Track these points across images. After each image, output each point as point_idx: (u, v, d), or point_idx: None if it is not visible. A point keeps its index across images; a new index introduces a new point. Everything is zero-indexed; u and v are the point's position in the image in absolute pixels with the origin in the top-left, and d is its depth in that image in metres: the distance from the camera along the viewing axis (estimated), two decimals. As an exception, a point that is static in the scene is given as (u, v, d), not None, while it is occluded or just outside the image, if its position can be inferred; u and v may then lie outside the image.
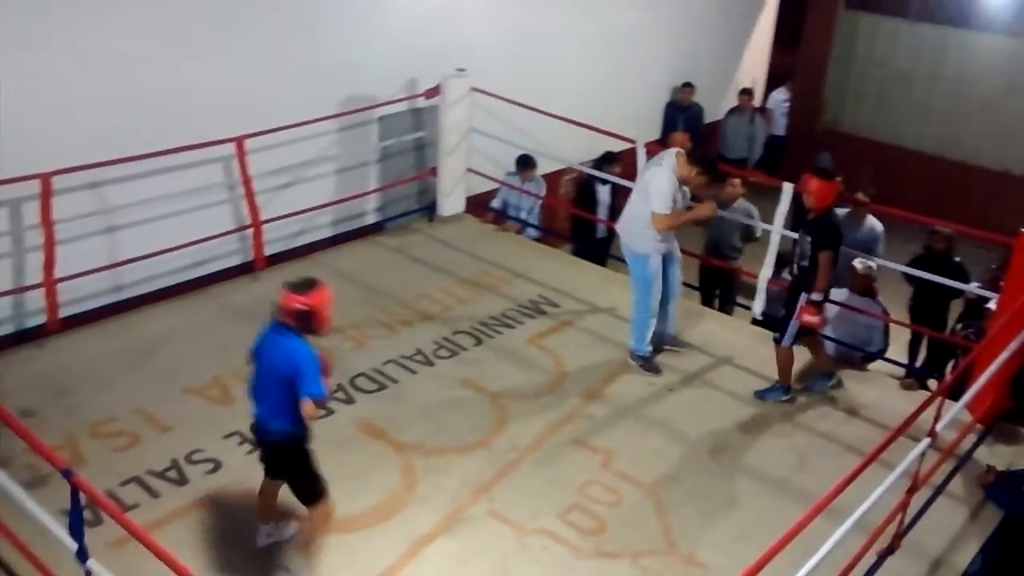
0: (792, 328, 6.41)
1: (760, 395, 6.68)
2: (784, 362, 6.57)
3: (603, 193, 9.22)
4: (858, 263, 7.25)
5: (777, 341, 6.56)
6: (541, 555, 5.12)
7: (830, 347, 7.26)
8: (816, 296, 6.23)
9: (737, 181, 8.47)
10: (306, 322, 4.41)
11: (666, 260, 6.83)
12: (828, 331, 7.26)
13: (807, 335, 6.52)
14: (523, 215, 9.28)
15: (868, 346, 7.32)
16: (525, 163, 8.96)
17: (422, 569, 4.97)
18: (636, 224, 6.68)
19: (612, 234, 8.86)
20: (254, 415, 4.60)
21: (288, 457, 4.62)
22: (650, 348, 6.95)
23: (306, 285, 4.42)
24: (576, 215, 9.58)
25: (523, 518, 5.36)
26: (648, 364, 6.95)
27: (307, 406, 4.36)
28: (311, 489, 4.67)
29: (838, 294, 7.25)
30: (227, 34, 7.38)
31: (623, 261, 7.20)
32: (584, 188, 9.50)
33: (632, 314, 6.98)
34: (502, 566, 5.02)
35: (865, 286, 7.28)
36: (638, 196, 6.70)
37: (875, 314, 7.26)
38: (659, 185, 6.47)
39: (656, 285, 6.79)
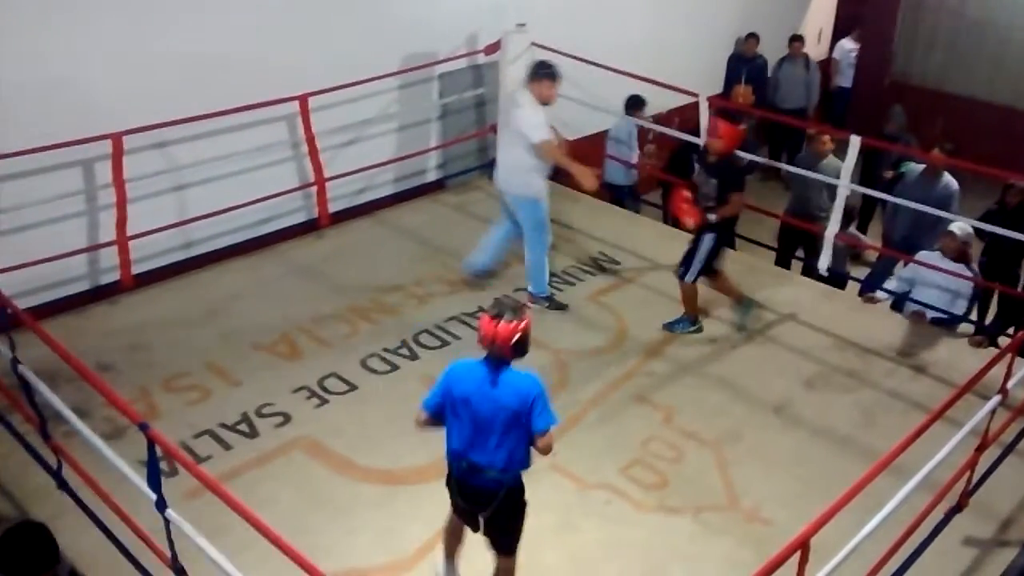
0: (695, 265, 6.57)
1: (669, 327, 6.83)
2: (689, 295, 6.77)
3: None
4: (956, 227, 6.95)
5: (681, 277, 6.68)
6: (604, 508, 5.17)
7: (911, 308, 7.12)
8: (712, 216, 6.37)
9: (827, 137, 8.23)
10: (523, 347, 3.98)
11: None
12: (914, 294, 7.12)
13: (711, 273, 6.70)
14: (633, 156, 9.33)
15: (951, 310, 7.07)
16: (637, 104, 9.02)
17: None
18: (519, 170, 6.69)
19: None
20: (467, 463, 4.05)
21: (513, 506, 4.15)
22: (550, 288, 7.11)
23: (514, 311, 3.93)
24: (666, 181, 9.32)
25: (585, 472, 5.41)
26: (552, 303, 7.06)
27: (546, 439, 3.97)
28: (517, 540, 4.27)
29: (928, 256, 7.07)
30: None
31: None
32: (678, 155, 9.29)
33: (528, 257, 7.00)
34: (566, 518, 5.08)
35: (960, 251, 6.99)
36: (511, 143, 6.69)
37: (968, 277, 6.97)
38: (528, 120, 6.50)
39: (548, 224, 6.91)
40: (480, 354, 4.02)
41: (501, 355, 3.95)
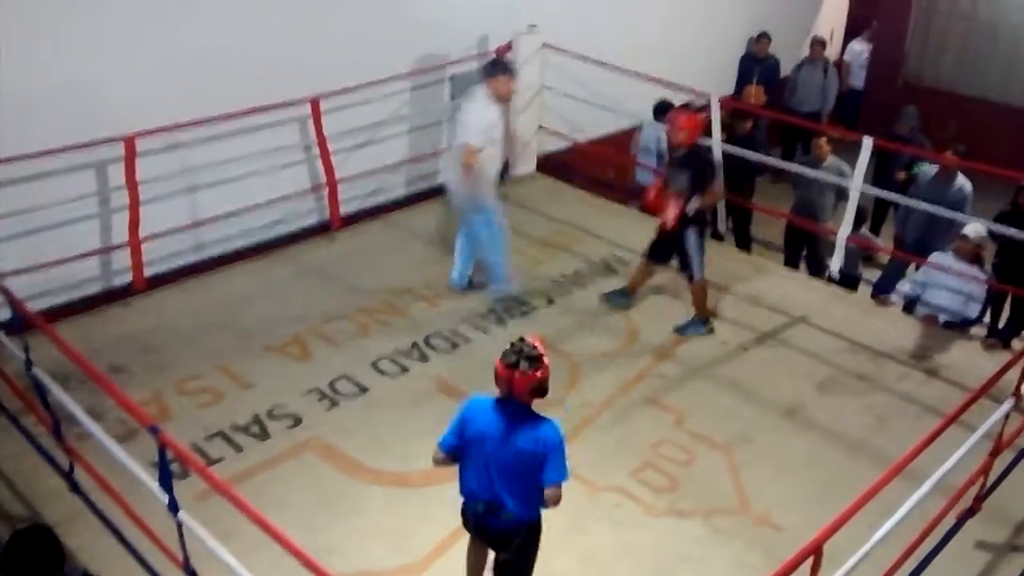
0: (695, 262, 6.57)
1: (680, 330, 6.81)
2: (700, 297, 6.77)
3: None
4: (970, 230, 6.92)
5: (690, 279, 6.69)
6: (614, 512, 5.17)
7: (923, 311, 7.09)
8: (694, 203, 6.37)
9: (823, 140, 8.23)
10: (542, 392, 3.90)
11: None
12: (926, 296, 7.09)
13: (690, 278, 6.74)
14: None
15: (965, 312, 7.04)
16: (665, 110, 8.91)
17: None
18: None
19: None
20: (483, 504, 4.01)
21: (527, 544, 4.10)
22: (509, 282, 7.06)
23: (530, 360, 3.80)
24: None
25: (595, 475, 5.40)
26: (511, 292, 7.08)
27: (556, 492, 3.88)
28: (527, 573, 4.22)
29: (942, 258, 7.03)
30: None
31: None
32: None
33: (485, 257, 7.01)
34: (576, 521, 5.06)
35: (974, 254, 6.96)
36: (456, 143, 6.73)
37: (981, 279, 6.94)
38: (467, 119, 6.53)
39: (498, 221, 6.89)
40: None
41: (521, 401, 3.88)
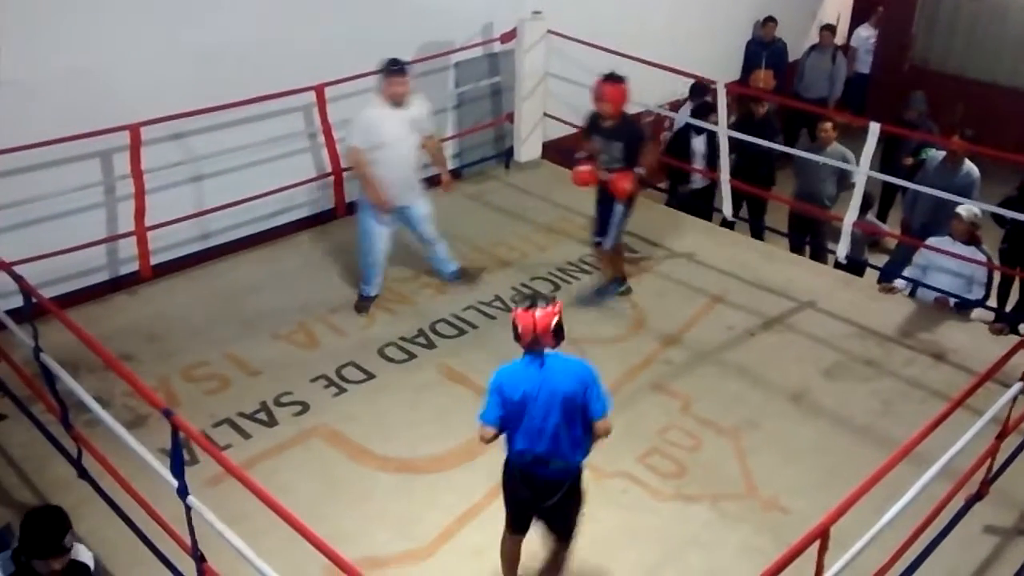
0: (613, 231, 6.67)
1: (599, 295, 6.96)
2: (614, 259, 6.95)
3: (698, 143, 8.88)
4: (963, 210, 6.88)
5: (600, 245, 6.81)
6: (621, 497, 5.17)
7: (930, 295, 7.08)
8: (640, 171, 6.45)
9: (828, 125, 8.20)
10: (561, 332, 4.03)
11: (404, 212, 6.64)
12: (927, 279, 7.07)
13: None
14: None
15: (967, 295, 7.00)
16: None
17: (503, 510, 5.06)
18: None
19: (712, 185, 8.73)
20: (533, 457, 4.07)
21: (576, 493, 4.23)
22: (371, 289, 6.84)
23: (544, 299, 4.02)
24: (671, 165, 9.19)
25: (602, 461, 5.36)
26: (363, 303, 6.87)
27: (605, 423, 4.07)
28: (576, 526, 4.33)
29: (940, 242, 7.01)
30: (306, -18, 7.44)
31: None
32: (678, 138, 9.27)
33: (361, 259, 6.85)
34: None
35: (969, 234, 6.91)
36: None
37: (978, 261, 6.89)
38: (357, 117, 6.38)
39: (369, 231, 6.58)
40: (509, 354, 4.08)
41: (544, 344, 3.99)
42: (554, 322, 3.96)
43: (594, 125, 6.58)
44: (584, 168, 6.60)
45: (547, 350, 4.02)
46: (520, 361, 4.06)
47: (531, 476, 4.13)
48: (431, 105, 6.65)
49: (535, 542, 4.40)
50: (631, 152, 6.42)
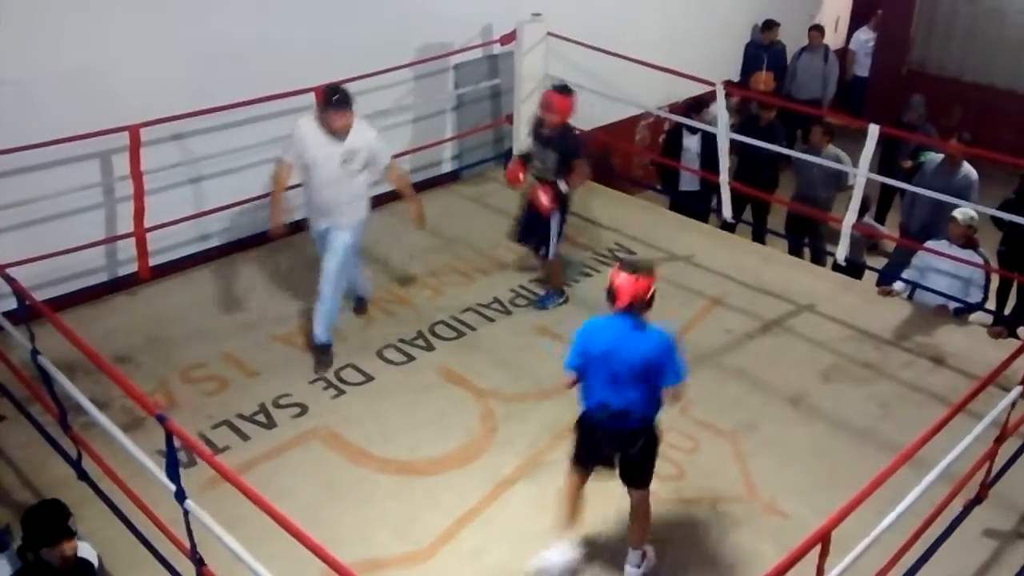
0: (553, 241, 6.69)
1: (541, 304, 6.96)
2: (556, 269, 6.99)
3: (692, 142, 8.89)
4: (958, 213, 6.89)
5: (544, 256, 6.81)
6: (621, 500, 5.15)
7: (928, 298, 7.08)
8: (564, 187, 6.50)
9: (819, 130, 8.22)
10: (652, 300, 4.30)
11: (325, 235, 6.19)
12: (925, 282, 7.07)
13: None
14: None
15: (965, 298, 7.01)
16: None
17: (503, 511, 5.08)
18: None
19: (705, 186, 8.73)
20: (611, 411, 4.33)
21: (652, 443, 4.49)
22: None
23: (647, 268, 4.30)
24: (664, 165, 9.27)
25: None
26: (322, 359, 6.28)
27: (679, 391, 4.35)
28: (651, 474, 4.59)
29: (937, 245, 7.02)
30: (305, -16, 7.44)
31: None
32: (671, 137, 9.27)
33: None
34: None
35: (966, 237, 6.91)
36: None
37: (975, 264, 6.90)
38: (293, 130, 5.98)
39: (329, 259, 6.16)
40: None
41: (636, 309, 4.23)
42: (649, 290, 4.25)
43: (536, 131, 6.61)
44: (513, 167, 6.65)
45: (637, 315, 4.26)
46: (610, 318, 4.28)
47: (609, 431, 4.38)
48: (375, 134, 6.08)
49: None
50: (563, 165, 6.46)
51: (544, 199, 6.50)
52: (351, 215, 6.11)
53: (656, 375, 4.25)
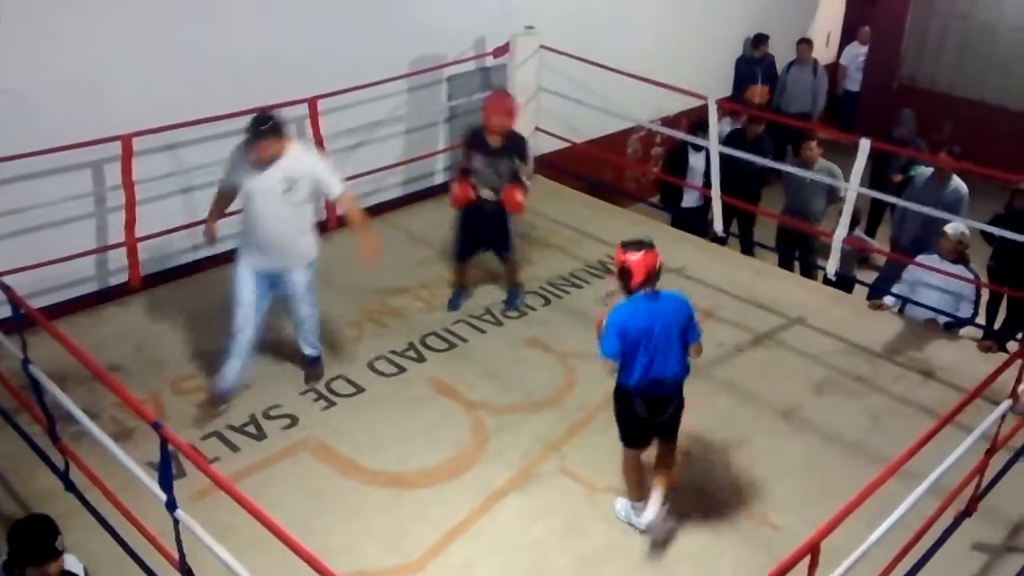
0: (512, 239, 6.83)
1: (513, 306, 7.04)
2: (517, 266, 7.12)
3: (697, 160, 8.89)
4: (949, 228, 6.89)
5: (510, 256, 6.93)
6: (612, 513, 5.16)
7: (919, 312, 7.10)
8: (528, 181, 6.66)
9: (813, 143, 8.26)
10: (660, 273, 4.66)
11: (276, 278, 5.79)
12: (916, 297, 7.09)
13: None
14: None
15: (956, 312, 7.00)
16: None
17: (494, 524, 5.06)
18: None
19: (706, 203, 8.72)
20: (652, 381, 4.62)
21: (682, 400, 4.86)
22: (226, 381, 5.81)
23: (647, 242, 4.62)
24: (666, 181, 9.23)
25: (593, 476, 5.40)
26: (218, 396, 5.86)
27: (700, 347, 4.80)
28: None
29: (928, 259, 7.04)
30: (299, -5, 7.46)
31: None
32: (676, 154, 9.27)
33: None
34: (572, 523, 5.08)
35: (956, 252, 6.92)
36: None
37: (966, 279, 6.90)
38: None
39: (237, 298, 5.73)
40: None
41: (655, 281, 4.56)
42: (660, 262, 4.58)
43: (478, 144, 6.52)
44: (463, 187, 6.55)
45: (652, 287, 4.57)
46: (633, 301, 4.57)
47: (652, 399, 4.69)
48: (318, 160, 5.73)
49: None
50: (514, 166, 6.52)
51: (520, 197, 6.52)
52: (301, 254, 5.73)
53: (686, 332, 4.65)
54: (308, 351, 6.17)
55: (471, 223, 6.74)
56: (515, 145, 6.55)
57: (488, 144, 6.49)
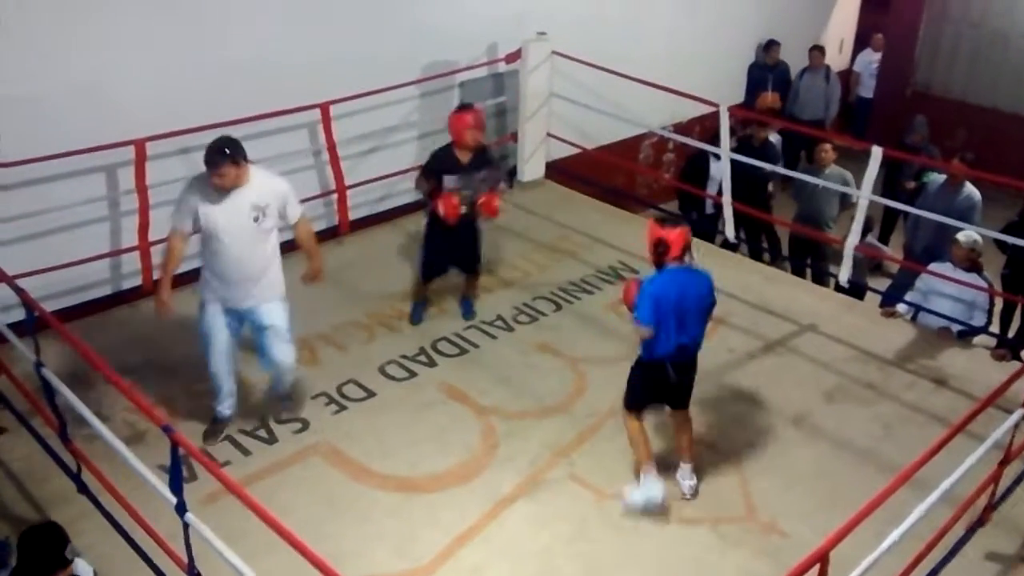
0: (481, 252, 6.87)
1: (470, 314, 7.00)
2: (479, 281, 7.14)
3: (717, 169, 8.71)
4: (961, 236, 6.86)
5: (478, 269, 6.97)
6: (620, 519, 5.15)
7: (932, 320, 7.06)
8: (503, 186, 6.68)
9: (828, 146, 8.25)
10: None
11: (247, 314, 5.40)
12: (929, 304, 7.06)
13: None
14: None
15: (969, 321, 6.95)
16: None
17: (502, 530, 5.06)
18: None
19: (718, 210, 8.68)
20: (678, 348, 4.95)
21: (696, 366, 5.23)
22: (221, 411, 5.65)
23: (674, 218, 5.12)
24: (684, 190, 9.15)
25: (602, 482, 5.40)
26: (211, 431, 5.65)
27: (713, 317, 5.21)
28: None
29: (941, 267, 7.01)
30: (315, 1, 7.47)
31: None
32: (694, 162, 9.26)
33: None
34: (581, 529, 5.07)
35: (969, 260, 6.88)
36: None
37: (979, 287, 6.85)
38: (182, 190, 5.21)
39: (206, 334, 5.43)
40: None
41: (688, 254, 4.91)
42: (690, 236, 4.91)
43: (448, 165, 6.32)
44: (453, 201, 6.32)
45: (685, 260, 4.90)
46: (667, 273, 4.87)
47: (677, 365, 5.02)
48: (285, 182, 5.39)
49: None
50: (492, 177, 6.48)
51: (498, 201, 6.52)
52: (274, 284, 5.38)
53: (711, 306, 5.05)
54: (283, 390, 5.80)
55: (442, 240, 6.60)
56: (484, 156, 6.49)
57: (459, 161, 6.35)
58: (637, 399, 5.22)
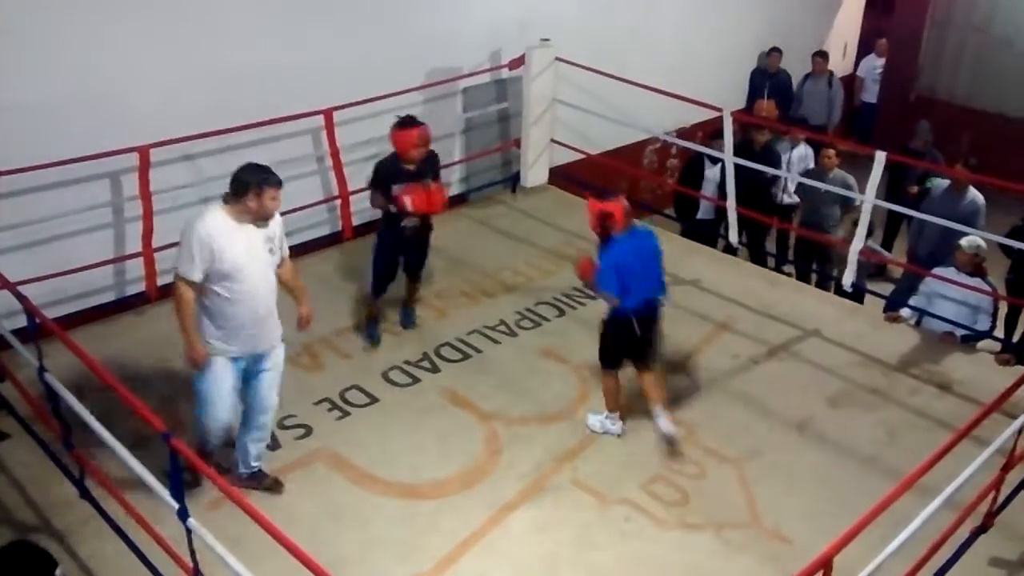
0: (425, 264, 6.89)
1: (412, 324, 6.95)
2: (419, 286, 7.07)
3: (714, 172, 8.81)
4: (965, 241, 6.85)
5: (419, 277, 6.90)
6: (624, 525, 5.15)
7: (936, 325, 7.05)
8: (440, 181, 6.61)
9: (832, 151, 8.26)
10: None
11: (258, 359, 4.96)
12: (933, 309, 7.05)
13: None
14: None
15: (973, 325, 6.95)
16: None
17: (505, 535, 5.05)
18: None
19: (719, 214, 8.69)
20: (644, 301, 5.43)
21: (660, 320, 5.66)
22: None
23: (610, 191, 5.42)
24: (681, 193, 9.20)
25: (606, 488, 5.39)
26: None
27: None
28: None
29: (945, 272, 7.00)
30: (318, 7, 7.49)
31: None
32: (691, 165, 9.28)
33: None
34: (584, 535, 5.06)
35: (973, 264, 6.87)
36: None
37: (983, 291, 6.85)
38: (189, 234, 4.63)
39: (206, 396, 4.93)
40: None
41: (631, 220, 5.35)
42: (626, 204, 5.33)
43: (396, 175, 6.22)
44: (419, 191, 6.23)
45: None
46: (619, 241, 5.29)
47: (645, 320, 5.47)
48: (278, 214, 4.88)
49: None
50: (436, 176, 6.45)
51: (444, 197, 6.46)
52: (279, 326, 5.01)
53: (660, 256, 5.53)
54: (249, 464, 5.24)
55: (394, 252, 6.56)
56: (432, 164, 6.38)
57: (406, 170, 6.25)
58: (610, 357, 5.67)
